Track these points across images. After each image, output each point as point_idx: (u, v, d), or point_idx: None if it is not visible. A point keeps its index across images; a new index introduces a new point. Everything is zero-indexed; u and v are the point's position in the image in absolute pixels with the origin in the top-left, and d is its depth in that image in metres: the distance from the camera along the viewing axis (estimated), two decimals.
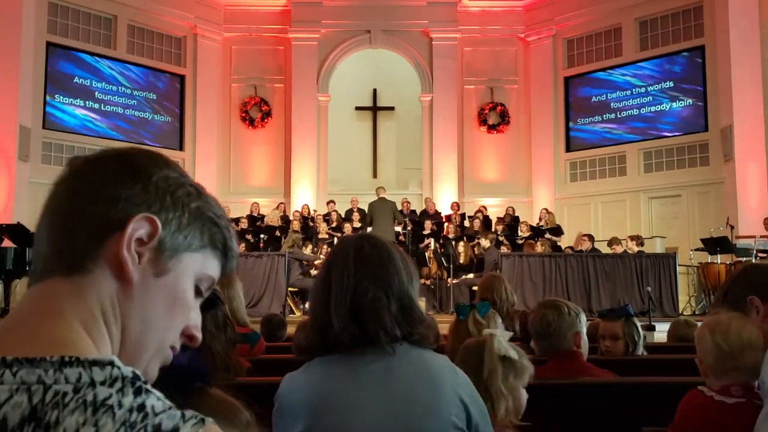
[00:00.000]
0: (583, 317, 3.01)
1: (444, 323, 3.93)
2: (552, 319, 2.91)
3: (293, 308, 11.34)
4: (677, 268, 10.87)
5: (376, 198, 13.09)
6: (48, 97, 14.59)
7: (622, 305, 3.76)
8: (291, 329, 4.98)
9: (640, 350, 3.59)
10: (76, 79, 15.13)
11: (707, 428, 2.00)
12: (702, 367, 2.15)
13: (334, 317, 1.62)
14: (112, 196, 0.81)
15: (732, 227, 12.51)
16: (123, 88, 15.85)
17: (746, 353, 2.02)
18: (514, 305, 5.31)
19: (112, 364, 0.70)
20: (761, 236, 11.72)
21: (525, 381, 2.04)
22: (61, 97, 14.85)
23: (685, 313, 11.45)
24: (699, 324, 4.73)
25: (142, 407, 0.68)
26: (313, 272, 11.81)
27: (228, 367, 2.62)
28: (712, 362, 2.10)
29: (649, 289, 9.01)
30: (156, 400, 0.69)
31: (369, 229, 12.85)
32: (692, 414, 2.05)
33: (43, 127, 14.41)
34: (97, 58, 15.43)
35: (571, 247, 12.93)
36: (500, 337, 2.03)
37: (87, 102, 15.27)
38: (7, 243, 11.28)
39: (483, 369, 1.97)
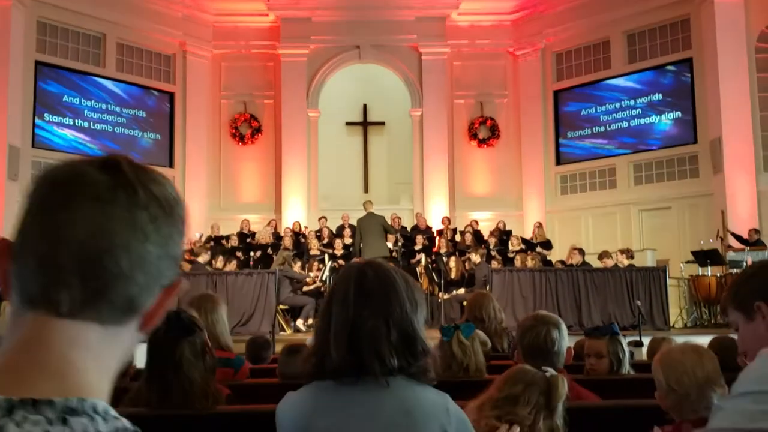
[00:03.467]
0: None
1: (435, 338, 3.88)
2: (556, 336, 2.85)
3: (284, 326, 11.28)
4: (668, 281, 10.86)
5: (364, 213, 13.02)
6: (37, 118, 14.55)
7: (608, 324, 3.74)
8: (279, 348, 4.93)
9: (626, 368, 3.56)
10: (65, 98, 15.10)
11: None
12: (663, 403, 2.15)
13: (333, 347, 1.60)
14: (176, 255, 0.80)
15: (722, 239, 12.54)
16: (112, 106, 15.83)
17: (705, 391, 1.98)
18: (502, 323, 5.29)
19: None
20: (750, 248, 11.75)
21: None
22: (50, 116, 14.81)
23: (676, 326, 11.45)
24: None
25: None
26: (305, 288, 11.78)
27: (207, 395, 2.60)
28: (670, 405, 2.10)
29: (639, 303, 9.00)
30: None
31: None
32: None
33: (33, 146, 14.37)
34: (86, 76, 15.42)
35: (562, 261, 12.92)
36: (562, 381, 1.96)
37: (76, 121, 15.24)
38: None
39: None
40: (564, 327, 2.94)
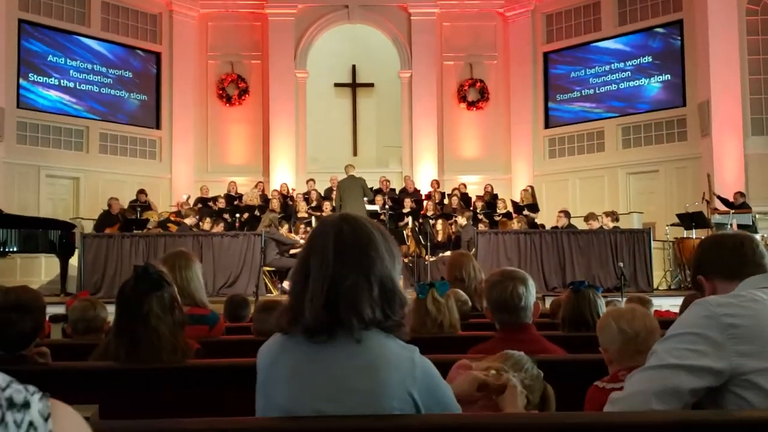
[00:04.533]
0: None
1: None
2: (522, 291, 2.86)
3: (270, 287, 11.32)
4: (652, 243, 10.93)
5: (345, 176, 13.05)
6: (21, 79, 14.36)
7: (579, 281, 3.76)
8: None
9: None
10: (49, 58, 14.90)
11: None
12: (606, 356, 2.23)
13: (308, 307, 1.58)
14: None
15: (708, 202, 12.59)
16: (98, 67, 15.63)
17: (650, 339, 2.07)
18: (482, 283, 5.32)
19: None
20: (735, 211, 11.80)
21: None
22: (35, 77, 14.61)
23: (660, 288, 11.55)
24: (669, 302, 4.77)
25: None
26: (292, 251, 11.77)
27: (175, 348, 2.61)
28: (617, 347, 2.18)
29: (621, 264, 9.06)
30: None
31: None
32: (591, 409, 2.12)
33: (17, 107, 14.20)
34: (70, 36, 15.19)
35: (543, 225, 12.96)
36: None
37: (61, 81, 15.05)
38: None
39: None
40: (531, 283, 2.95)
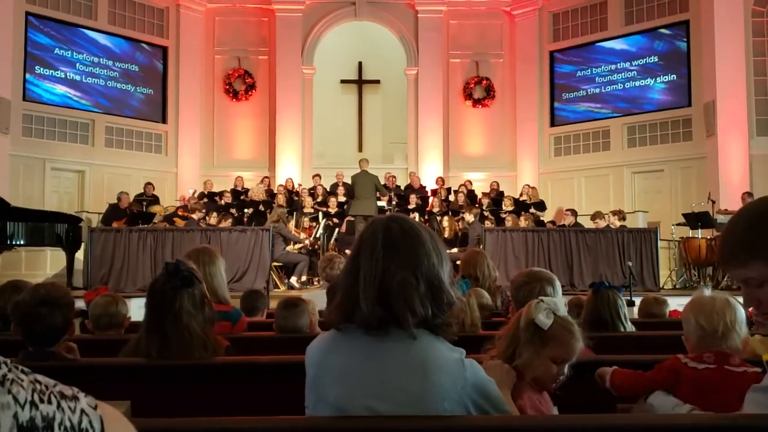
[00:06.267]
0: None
1: None
2: (549, 292, 2.89)
3: (278, 283, 11.34)
4: (659, 243, 10.95)
5: (359, 170, 13.04)
6: (27, 73, 14.35)
7: (599, 281, 3.77)
8: (273, 303, 4.96)
9: (625, 325, 3.60)
10: (56, 51, 14.88)
11: (676, 389, 2.16)
12: (688, 345, 2.30)
13: (363, 300, 1.63)
14: None
15: (713, 202, 12.59)
16: (104, 60, 15.62)
17: (730, 332, 2.16)
18: (496, 281, 5.33)
19: None
20: None
21: (555, 353, 2.00)
22: (41, 70, 14.60)
23: (666, 287, 11.56)
24: (675, 301, 4.79)
25: (38, 380, 0.77)
26: (297, 246, 11.76)
27: (206, 345, 2.62)
28: (695, 341, 2.25)
29: (630, 263, 9.07)
30: (41, 376, 0.78)
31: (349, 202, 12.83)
32: (667, 375, 2.21)
33: (24, 99, 14.19)
34: (77, 29, 15.18)
35: (552, 222, 12.96)
36: (541, 303, 2.03)
37: (68, 74, 15.04)
38: None
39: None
40: (558, 283, 2.97)
